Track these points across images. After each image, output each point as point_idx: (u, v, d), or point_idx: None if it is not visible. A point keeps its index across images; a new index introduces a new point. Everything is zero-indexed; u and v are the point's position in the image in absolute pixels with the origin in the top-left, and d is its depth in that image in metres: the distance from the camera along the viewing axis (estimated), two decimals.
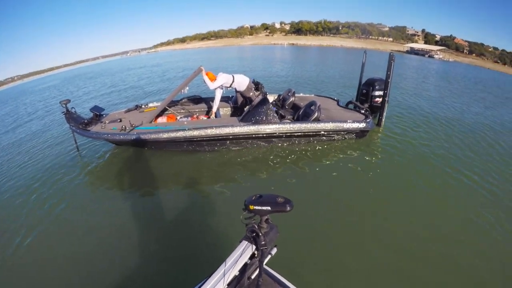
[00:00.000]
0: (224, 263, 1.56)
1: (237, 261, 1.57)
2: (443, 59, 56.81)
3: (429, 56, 58.74)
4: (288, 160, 6.44)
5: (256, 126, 6.45)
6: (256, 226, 1.59)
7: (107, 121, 7.10)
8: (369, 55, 7.39)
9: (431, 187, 5.46)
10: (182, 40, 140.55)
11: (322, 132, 6.71)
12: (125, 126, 6.53)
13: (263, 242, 1.56)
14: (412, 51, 61.70)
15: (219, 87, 7.49)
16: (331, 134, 6.81)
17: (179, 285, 3.47)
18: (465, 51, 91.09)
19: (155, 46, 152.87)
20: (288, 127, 6.54)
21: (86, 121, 7.13)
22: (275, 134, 6.62)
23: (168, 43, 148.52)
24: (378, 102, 7.61)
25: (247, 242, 1.65)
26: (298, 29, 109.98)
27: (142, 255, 4.13)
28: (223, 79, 7.39)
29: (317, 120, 6.66)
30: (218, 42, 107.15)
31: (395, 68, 7.28)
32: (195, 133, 6.30)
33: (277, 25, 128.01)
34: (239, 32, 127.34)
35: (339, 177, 5.79)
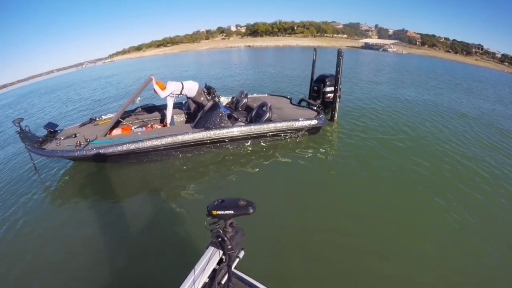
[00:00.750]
0: (193, 270, 1.59)
1: (205, 267, 1.59)
2: (397, 52, 58.46)
3: (383, 50, 60.28)
4: (244, 162, 6.76)
5: (209, 131, 6.72)
6: (221, 231, 1.63)
7: (62, 137, 7.14)
8: (326, 53, 7.81)
9: (382, 179, 5.86)
10: (138, 48, 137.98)
11: (275, 132, 7.01)
12: (79, 142, 6.62)
13: (229, 246, 1.60)
14: (367, 46, 63.22)
15: (169, 95, 7.73)
16: (284, 133, 7.13)
17: None
18: (417, 43, 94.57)
19: (111, 56, 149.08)
20: (240, 130, 6.82)
21: (41, 139, 7.14)
22: (228, 138, 6.89)
23: (124, 52, 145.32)
24: (330, 97, 7.94)
25: (213, 247, 1.68)
26: (254, 31, 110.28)
27: (108, 267, 4.29)
28: (173, 87, 7.65)
29: (269, 120, 6.95)
30: (174, 49, 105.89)
31: (350, 63, 7.85)
32: (150, 143, 6.51)
33: (233, 28, 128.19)
34: (195, 37, 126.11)
35: (295, 175, 6.12)
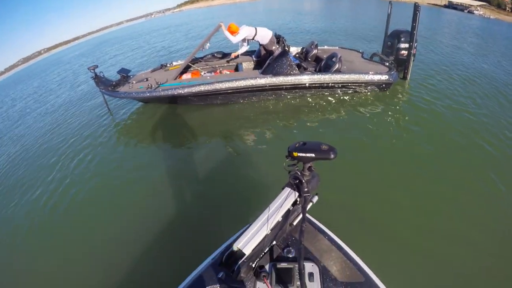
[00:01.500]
0: (268, 208, 1.59)
1: (280, 207, 1.59)
2: (484, 15, 52.94)
3: (468, 12, 54.82)
4: (308, 112, 6.62)
5: (277, 77, 6.62)
6: (299, 173, 1.60)
7: (134, 81, 7.60)
8: (405, 8, 7.06)
9: (454, 148, 5.13)
10: None
11: (343, 84, 6.78)
12: (151, 84, 6.96)
13: (306, 189, 1.58)
14: (451, 5, 57.30)
15: (242, 40, 7.66)
16: (353, 85, 6.84)
17: (225, 229, 3.65)
18: (507, 9, 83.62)
19: (179, 6, 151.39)
20: (308, 77, 6.65)
21: (114, 83, 7.68)
22: (295, 85, 6.78)
23: (192, 1, 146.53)
24: (404, 55, 7.38)
25: (289, 189, 1.66)
26: None
27: (184, 204, 4.50)
28: (246, 32, 7.50)
29: (338, 71, 6.69)
30: None
31: (429, 22, 7.12)
32: (219, 86, 6.61)
33: None
34: None
35: (358, 133, 5.76)
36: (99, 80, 7.63)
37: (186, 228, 4.02)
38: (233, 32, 7.46)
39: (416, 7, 6.59)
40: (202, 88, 6.62)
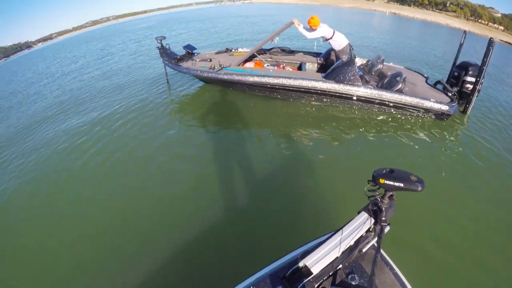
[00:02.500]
0: (341, 230, 1.60)
1: (354, 232, 1.58)
2: None
3: None
4: (362, 125, 6.50)
5: (339, 84, 6.57)
6: (379, 200, 1.58)
7: (197, 60, 7.82)
8: (474, 41, 6.70)
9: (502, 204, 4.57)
10: None
11: (402, 105, 6.63)
12: (214, 66, 7.10)
13: (383, 218, 1.56)
14: None
15: (316, 38, 7.57)
16: (411, 109, 6.68)
17: (281, 239, 3.55)
18: None
19: None
20: (369, 92, 6.57)
21: (178, 57, 7.93)
22: (355, 96, 6.70)
23: None
24: (469, 88, 7.10)
25: (366, 214, 1.66)
26: None
27: (234, 202, 4.36)
28: (324, 31, 7.43)
29: (400, 91, 6.56)
30: (315, 0, 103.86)
31: (498, 60, 6.74)
32: (280, 81, 6.65)
33: None
34: None
35: (410, 157, 5.58)
36: (164, 51, 7.93)
37: (236, 229, 3.86)
38: (313, 25, 7.39)
39: (490, 42, 6.29)
40: (264, 79, 6.69)
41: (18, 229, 4.25)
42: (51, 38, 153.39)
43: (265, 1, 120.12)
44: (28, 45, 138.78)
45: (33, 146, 6.63)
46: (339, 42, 7.52)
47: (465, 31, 7.67)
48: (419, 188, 1.41)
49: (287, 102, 7.20)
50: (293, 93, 7.02)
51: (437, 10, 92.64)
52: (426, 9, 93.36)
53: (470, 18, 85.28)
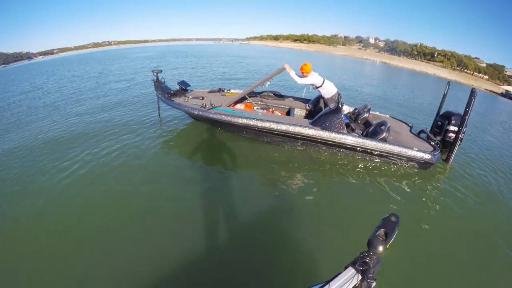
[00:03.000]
0: (327, 285, 1.56)
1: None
2: None
3: None
4: (345, 172, 6.56)
5: (324, 132, 6.73)
6: (368, 259, 1.57)
7: (190, 96, 8.05)
8: (460, 90, 6.90)
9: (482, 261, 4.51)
10: (275, 38, 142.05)
11: (385, 154, 6.77)
12: (205, 104, 7.31)
13: (371, 275, 1.55)
14: (508, 95, 55.79)
15: (307, 84, 7.80)
16: (394, 157, 6.81)
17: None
18: None
19: (248, 39, 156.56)
20: (353, 140, 6.71)
21: (172, 92, 8.17)
22: (339, 144, 6.84)
23: (261, 38, 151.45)
24: (451, 137, 7.30)
25: (353, 270, 1.62)
26: (392, 48, 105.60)
27: (210, 243, 4.23)
28: (314, 79, 7.65)
29: (384, 140, 6.73)
30: (310, 47, 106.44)
31: (482, 108, 6.97)
32: (267, 125, 6.79)
33: (371, 40, 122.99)
34: (332, 40, 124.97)
35: (392, 206, 5.55)
36: (159, 84, 8.20)
37: (214, 273, 3.71)
38: (305, 72, 7.61)
39: (472, 92, 6.51)
40: (252, 122, 6.84)
41: None
42: (52, 53, 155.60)
43: (263, 44, 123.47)
44: (29, 56, 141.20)
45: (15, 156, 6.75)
46: (328, 90, 7.75)
47: (448, 82, 7.95)
48: (399, 224, 1.56)
49: (273, 146, 7.32)
50: (280, 138, 7.14)
51: (425, 61, 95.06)
52: (415, 59, 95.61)
53: (457, 68, 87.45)
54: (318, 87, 7.73)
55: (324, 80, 7.71)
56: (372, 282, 1.59)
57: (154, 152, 6.89)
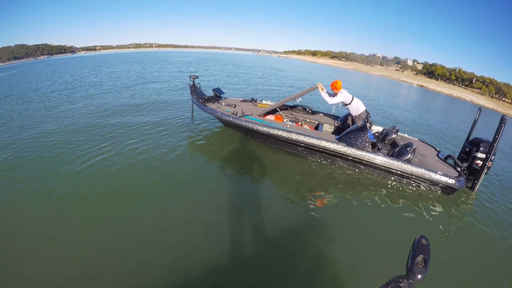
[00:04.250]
0: None
1: None
2: None
3: None
4: (369, 190, 6.54)
5: (349, 148, 6.77)
6: (403, 283, 1.54)
7: (223, 103, 8.37)
8: (496, 119, 6.63)
9: None
10: (313, 54, 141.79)
11: (409, 175, 6.69)
12: (237, 112, 7.56)
13: None
14: None
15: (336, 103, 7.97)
16: (418, 179, 6.71)
17: None
18: None
19: (286, 52, 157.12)
20: (377, 158, 6.70)
21: (206, 97, 8.51)
22: (364, 161, 6.86)
23: (299, 52, 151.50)
24: (478, 164, 7.14)
25: None
26: (430, 71, 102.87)
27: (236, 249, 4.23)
28: (344, 97, 7.80)
29: (408, 161, 6.65)
30: (348, 65, 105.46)
31: None
32: (295, 137, 6.91)
33: (410, 62, 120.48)
34: (369, 60, 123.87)
35: (411, 226, 5.53)
36: (195, 89, 8.53)
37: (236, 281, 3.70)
38: (335, 89, 7.76)
39: (502, 119, 6.27)
40: (280, 133, 6.98)
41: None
42: (94, 49, 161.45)
43: (300, 58, 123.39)
44: (72, 50, 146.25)
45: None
46: (357, 108, 7.85)
47: (480, 108, 7.75)
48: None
49: (298, 158, 7.42)
50: (306, 150, 7.27)
51: (463, 86, 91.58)
52: (453, 84, 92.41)
53: (495, 96, 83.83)
54: (347, 104, 7.84)
55: (353, 97, 7.82)
56: None
57: (182, 150, 7.23)
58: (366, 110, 8.04)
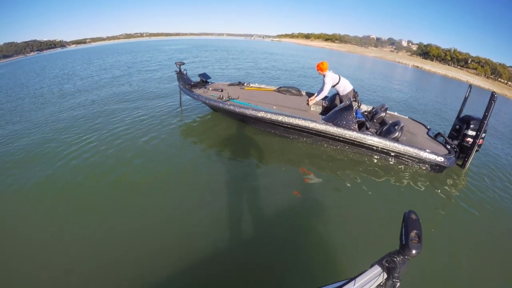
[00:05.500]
0: (353, 281, 1.58)
1: (366, 284, 1.57)
2: None
3: None
4: (356, 168, 6.56)
5: (335, 128, 6.76)
6: (396, 255, 1.58)
7: (210, 88, 8.38)
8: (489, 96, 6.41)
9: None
10: (307, 36, 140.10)
11: (396, 154, 6.70)
12: (223, 96, 7.61)
13: (396, 274, 1.55)
14: None
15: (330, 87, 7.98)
16: (406, 158, 6.71)
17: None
18: None
19: (279, 36, 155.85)
20: (363, 137, 6.69)
21: (192, 83, 8.52)
22: (349, 141, 6.85)
23: (292, 36, 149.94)
24: (469, 142, 7.11)
25: (379, 268, 1.63)
26: (425, 52, 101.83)
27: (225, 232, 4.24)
28: (331, 78, 7.82)
29: (396, 140, 6.65)
30: (341, 47, 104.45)
31: (509, 117, 6.43)
32: (280, 118, 6.93)
33: (404, 43, 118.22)
34: (364, 41, 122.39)
35: (401, 202, 5.56)
36: (181, 76, 8.56)
37: (240, 266, 3.70)
38: (322, 70, 7.79)
39: (492, 96, 6.18)
40: (265, 115, 6.99)
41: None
42: (84, 43, 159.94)
43: (293, 41, 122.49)
44: (62, 44, 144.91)
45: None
46: (344, 87, 7.90)
47: (470, 85, 7.76)
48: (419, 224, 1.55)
49: (286, 140, 7.43)
50: (293, 132, 7.26)
51: (459, 67, 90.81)
52: (448, 64, 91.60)
53: (490, 76, 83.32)
54: (335, 85, 7.86)
55: (339, 77, 7.85)
56: (397, 282, 1.60)
57: (173, 139, 7.22)
58: (354, 89, 8.08)
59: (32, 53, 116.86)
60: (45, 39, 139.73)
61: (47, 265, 3.58)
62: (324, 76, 7.83)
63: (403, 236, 1.55)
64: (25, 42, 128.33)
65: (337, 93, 8.13)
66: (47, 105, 10.84)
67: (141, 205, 4.75)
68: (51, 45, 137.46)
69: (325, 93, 7.81)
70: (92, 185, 5.24)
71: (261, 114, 7.00)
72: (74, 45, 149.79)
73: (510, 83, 78.57)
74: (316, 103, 8.34)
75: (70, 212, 4.56)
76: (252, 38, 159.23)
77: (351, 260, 3.85)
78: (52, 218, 4.46)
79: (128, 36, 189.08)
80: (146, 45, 57.17)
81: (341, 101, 8.01)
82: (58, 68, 25.12)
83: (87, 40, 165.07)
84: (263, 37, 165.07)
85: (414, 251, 1.48)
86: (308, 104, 7.98)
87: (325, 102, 8.35)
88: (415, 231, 1.53)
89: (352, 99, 7.51)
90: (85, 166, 5.86)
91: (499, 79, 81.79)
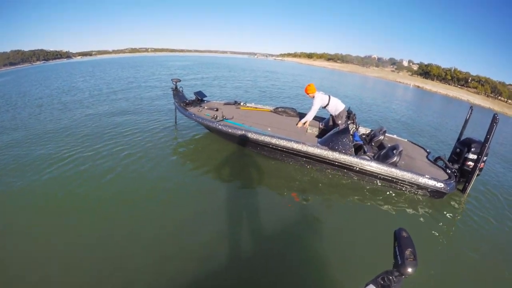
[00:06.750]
0: None
1: None
2: None
3: None
4: (353, 195, 6.34)
5: (331, 152, 6.55)
6: (392, 276, 1.56)
7: (205, 107, 8.22)
8: (490, 116, 6.18)
9: None
10: (309, 56, 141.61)
11: (394, 179, 6.42)
12: (217, 116, 7.42)
13: None
14: None
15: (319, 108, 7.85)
16: (404, 184, 6.44)
17: None
18: None
19: (282, 55, 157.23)
20: (359, 162, 6.48)
21: (188, 101, 8.41)
22: (346, 166, 6.64)
23: (295, 55, 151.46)
24: (470, 166, 6.84)
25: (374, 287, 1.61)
26: (426, 71, 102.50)
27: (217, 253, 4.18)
28: (320, 99, 7.68)
29: (394, 165, 6.39)
30: (344, 67, 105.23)
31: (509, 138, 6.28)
32: (275, 141, 6.71)
33: (405, 63, 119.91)
34: (365, 61, 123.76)
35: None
36: (177, 93, 8.45)
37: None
38: (310, 92, 7.69)
39: (494, 118, 5.96)
40: (260, 137, 6.77)
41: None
42: (90, 55, 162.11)
43: (296, 61, 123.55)
44: (68, 55, 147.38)
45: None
46: (336, 107, 7.75)
47: (471, 107, 7.50)
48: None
49: (280, 163, 7.22)
50: (287, 155, 7.04)
51: (459, 86, 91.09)
52: (449, 84, 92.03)
53: (490, 94, 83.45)
54: (325, 106, 7.76)
55: (329, 97, 7.73)
56: None
57: (164, 156, 7.10)
58: (349, 109, 7.96)
59: (38, 62, 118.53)
60: (51, 49, 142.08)
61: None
62: (313, 98, 7.72)
63: (398, 256, 1.53)
64: (32, 50, 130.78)
65: (330, 115, 7.99)
66: (42, 116, 10.81)
67: (130, 223, 4.68)
68: (57, 55, 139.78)
69: (312, 114, 7.67)
70: (80, 202, 5.15)
71: (256, 137, 6.79)
72: (80, 56, 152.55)
73: (510, 101, 78.53)
74: (312, 125, 8.19)
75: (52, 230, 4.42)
76: (256, 56, 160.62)
77: (346, 280, 3.81)
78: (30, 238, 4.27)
79: (133, 50, 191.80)
80: (150, 60, 57.73)
81: (334, 121, 7.87)
82: (61, 78, 25.35)
83: (93, 53, 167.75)
84: (266, 56, 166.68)
85: (410, 270, 1.46)
86: (297, 126, 7.83)
87: (321, 124, 8.20)
88: (409, 249, 1.51)
89: (349, 122, 7.35)
90: (72, 180, 5.78)
91: (499, 97, 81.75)
